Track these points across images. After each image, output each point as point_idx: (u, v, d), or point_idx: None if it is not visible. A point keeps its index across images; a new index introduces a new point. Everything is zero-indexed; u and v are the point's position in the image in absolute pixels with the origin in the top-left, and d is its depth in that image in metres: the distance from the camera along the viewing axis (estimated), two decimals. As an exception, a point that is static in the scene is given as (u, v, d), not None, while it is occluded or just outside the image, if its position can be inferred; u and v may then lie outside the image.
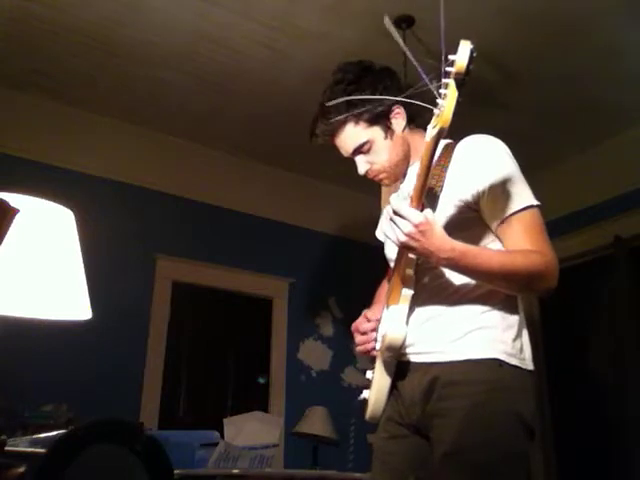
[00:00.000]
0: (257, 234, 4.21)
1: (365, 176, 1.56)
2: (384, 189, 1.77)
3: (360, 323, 1.56)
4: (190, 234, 3.95)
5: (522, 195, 1.37)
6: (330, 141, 1.54)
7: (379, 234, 1.77)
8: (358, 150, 1.52)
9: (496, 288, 1.38)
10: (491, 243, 1.41)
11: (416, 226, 1.23)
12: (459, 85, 1.10)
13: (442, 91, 1.12)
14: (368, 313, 1.58)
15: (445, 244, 1.26)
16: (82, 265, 1.48)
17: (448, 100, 1.12)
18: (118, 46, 3.18)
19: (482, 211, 1.39)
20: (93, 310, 1.48)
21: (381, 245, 1.73)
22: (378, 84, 1.49)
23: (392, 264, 1.57)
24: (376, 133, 1.50)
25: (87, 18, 2.98)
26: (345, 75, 1.51)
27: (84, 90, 3.55)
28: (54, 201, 1.45)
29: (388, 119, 1.51)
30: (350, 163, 1.56)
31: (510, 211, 1.36)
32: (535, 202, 1.38)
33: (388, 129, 1.51)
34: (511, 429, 1.32)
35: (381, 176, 1.55)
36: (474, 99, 3.22)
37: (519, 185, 1.38)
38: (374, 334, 1.54)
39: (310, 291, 4.30)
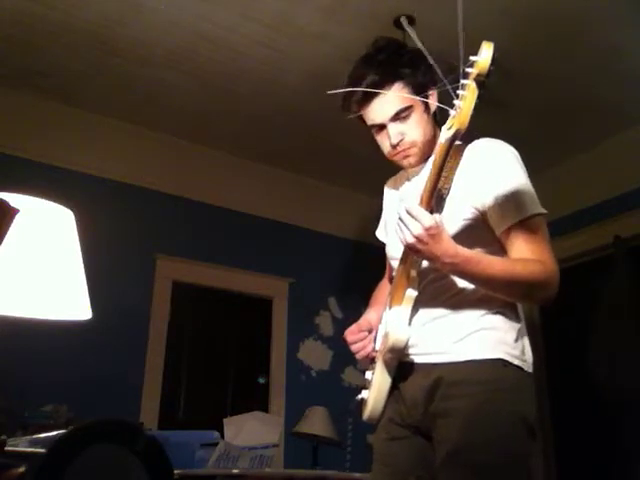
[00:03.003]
0: (257, 234, 4.21)
1: (394, 148, 1.48)
2: (389, 184, 1.73)
3: (353, 332, 1.54)
4: (190, 234, 3.95)
5: (529, 203, 1.36)
6: (367, 103, 1.46)
7: (380, 233, 1.75)
8: (398, 115, 1.44)
9: (496, 295, 1.38)
10: (494, 249, 1.40)
11: (426, 229, 1.21)
12: (479, 87, 1.08)
13: (459, 92, 1.10)
14: (362, 322, 1.57)
15: (450, 249, 1.25)
16: (82, 265, 1.48)
17: (466, 102, 1.10)
18: (118, 46, 3.18)
19: (488, 217, 1.39)
20: (93, 310, 1.48)
21: (381, 245, 1.72)
22: (424, 60, 1.49)
23: (394, 263, 1.56)
24: (418, 103, 1.45)
25: (87, 18, 2.98)
26: (392, 42, 1.51)
27: (84, 90, 3.55)
28: (54, 201, 1.45)
29: (427, 96, 1.47)
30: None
31: (516, 219, 1.35)
32: (541, 210, 1.37)
33: (426, 105, 1.47)
34: (514, 429, 1.32)
35: (411, 151, 1.48)
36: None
37: (527, 193, 1.37)
38: (371, 336, 1.54)
39: (310, 291, 4.30)
